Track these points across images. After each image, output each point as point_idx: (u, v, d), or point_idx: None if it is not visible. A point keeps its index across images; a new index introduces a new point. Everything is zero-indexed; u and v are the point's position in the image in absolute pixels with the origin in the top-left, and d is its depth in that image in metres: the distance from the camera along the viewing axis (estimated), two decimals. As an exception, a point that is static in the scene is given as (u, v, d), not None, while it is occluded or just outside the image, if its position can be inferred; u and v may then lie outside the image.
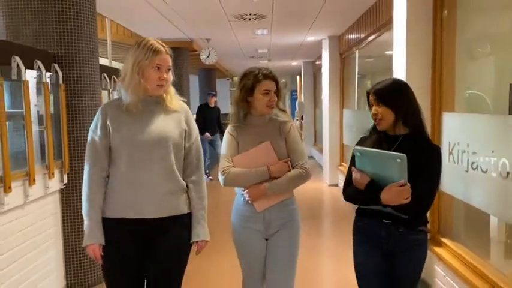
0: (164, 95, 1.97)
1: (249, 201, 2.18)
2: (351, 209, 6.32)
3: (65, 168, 3.32)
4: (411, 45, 3.48)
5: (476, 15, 3.37)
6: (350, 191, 1.99)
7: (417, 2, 3.45)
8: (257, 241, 2.24)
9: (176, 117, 1.98)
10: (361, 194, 1.90)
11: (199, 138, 2.07)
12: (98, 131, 1.92)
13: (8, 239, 2.74)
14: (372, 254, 1.99)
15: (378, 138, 1.98)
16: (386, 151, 1.85)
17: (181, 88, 8.26)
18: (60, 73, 3.27)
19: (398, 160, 1.74)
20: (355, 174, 1.90)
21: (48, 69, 3.16)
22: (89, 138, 1.97)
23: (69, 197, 3.39)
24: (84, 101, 3.41)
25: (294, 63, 12.73)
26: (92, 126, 1.96)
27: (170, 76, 1.95)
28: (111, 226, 1.93)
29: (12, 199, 2.72)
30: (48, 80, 3.15)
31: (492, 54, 3.38)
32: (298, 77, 16.58)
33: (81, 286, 3.46)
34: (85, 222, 1.93)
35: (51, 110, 3.23)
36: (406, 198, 1.77)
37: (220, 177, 2.15)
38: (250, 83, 2.19)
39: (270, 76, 2.21)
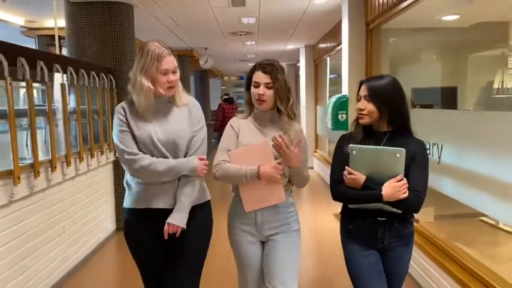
0: (174, 94, 2.01)
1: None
2: (322, 186, 7.88)
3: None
4: (351, 58, 5.09)
5: (394, 41, 5.00)
6: (342, 190, 1.88)
7: (355, 30, 5.06)
8: (250, 244, 2.08)
9: (186, 111, 2.02)
10: (358, 193, 1.83)
11: (205, 130, 2.07)
12: (124, 127, 1.95)
13: (79, 194, 4.06)
14: (369, 255, 1.93)
15: (365, 134, 1.92)
16: (385, 147, 1.83)
17: (183, 88, 9.81)
18: (113, 81, 4.81)
19: (398, 155, 1.75)
20: (351, 174, 1.82)
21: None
22: (115, 139, 1.97)
23: (119, 165, 4.81)
24: (129, 100, 4.94)
25: (279, 65, 14.21)
26: (115, 126, 1.97)
27: (177, 76, 1.97)
28: (132, 216, 2.03)
29: (82, 166, 4.12)
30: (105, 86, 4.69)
31: (403, 67, 5.02)
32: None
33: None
34: (175, 167, 1.94)
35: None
36: (404, 193, 1.76)
37: (213, 172, 2.02)
38: (250, 72, 2.07)
39: (261, 67, 2.01)
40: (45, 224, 3.36)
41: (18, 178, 2.83)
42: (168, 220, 1.93)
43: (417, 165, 1.84)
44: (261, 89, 1.99)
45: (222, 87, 19.81)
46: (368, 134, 1.92)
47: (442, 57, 5.12)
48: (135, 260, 2.09)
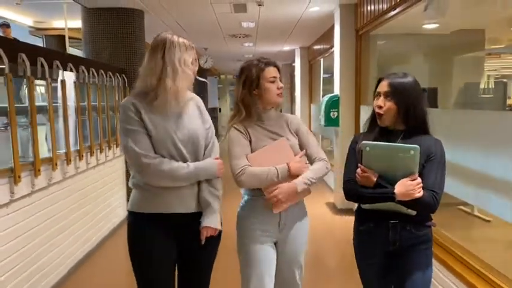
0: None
1: (274, 201, 1.95)
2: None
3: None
4: (343, 61, 5.59)
5: (381, 45, 5.50)
6: (354, 189, 1.84)
7: (346, 36, 5.56)
8: (269, 245, 2.04)
9: (196, 108, 1.94)
10: (371, 191, 1.78)
11: (213, 127, 1.98)
12: (137, 126, 1.77)
13: (100, 181, 4.60)
14: (377, 260, 1.90)
15: (379, 133, 1.87)
16: (398, 144, 1.77)
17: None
18: (126, 80, 5.27)
19: (412, 152, 1.69)
20: (364, 172, 1.78)
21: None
22: (124, 140, 1.78)
23: (130, 158, 5.38)
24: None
25: (275, 65, 14.71)
26: (124, 124, 1.78)
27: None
28: (145, 221, 1.85)
29: (101, 156, 4.71)
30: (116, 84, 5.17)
31: (389, 69, 5.53)
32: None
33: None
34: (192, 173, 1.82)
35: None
36: (418, 192, 1.70)
37: (236, 178, 1.96)
38: (254, 73, 2.01)
39: (271, 63, 2.05)
40: (73, 206, 3.82)
41: (56, 164, 3.30)
42: (205, 224, 1.84)
43: (433, 164, 1.77)
44: (279, 82, 2.06)
45: (219, 86, 20.26)
46: (382, 133, 1.87)
47: (425, 60, 5.65)
48: (135, 262, 1.91)
